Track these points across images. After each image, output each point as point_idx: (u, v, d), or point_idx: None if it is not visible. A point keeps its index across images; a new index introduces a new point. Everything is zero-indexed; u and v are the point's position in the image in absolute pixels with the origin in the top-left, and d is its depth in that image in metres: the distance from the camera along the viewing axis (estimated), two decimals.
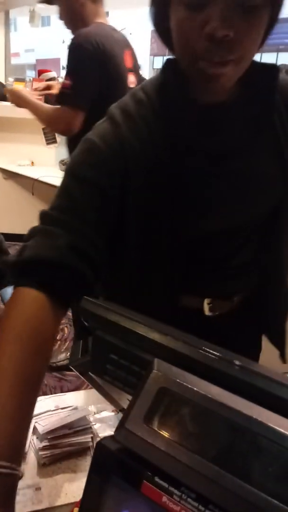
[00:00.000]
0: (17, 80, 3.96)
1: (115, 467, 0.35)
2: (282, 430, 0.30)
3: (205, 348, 0.38)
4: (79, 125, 1.71)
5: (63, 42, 16.97)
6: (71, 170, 0.71)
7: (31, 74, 13.66)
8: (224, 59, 0.59)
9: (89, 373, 0.46)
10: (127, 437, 0.34)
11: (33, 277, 0.61)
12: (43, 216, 0.68)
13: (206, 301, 0.82)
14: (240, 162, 0.73)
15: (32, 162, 3.92)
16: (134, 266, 0.77)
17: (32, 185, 3.57)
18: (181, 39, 0.61)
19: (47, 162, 3.88)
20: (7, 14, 6.28)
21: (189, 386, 0.34)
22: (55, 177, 3.42)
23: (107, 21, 1.91)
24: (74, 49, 1.70)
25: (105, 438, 0.36)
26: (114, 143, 0.68)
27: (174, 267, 0.75)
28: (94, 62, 1.68)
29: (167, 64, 0.71)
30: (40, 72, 6.00)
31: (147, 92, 0.70)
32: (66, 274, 0.62)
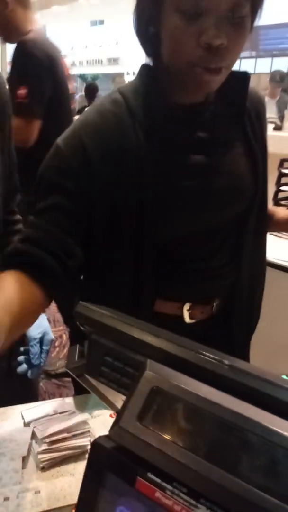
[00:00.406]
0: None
1: (110, 464, 0.36)
2: (269, 425, 0.32)
3: (197, 349, 0.39)
4: (37, 134, 1.70)
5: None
6: (41, 171, 0.75)
7: None
8: (218, 66, 0.64)
9: (85, 375, 0.47)
10: (121, 435, 0.36)
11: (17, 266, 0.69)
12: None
13: (185, 307, 0.82)
14: (216, 158, 0.76)
15: None
16: (104, 267, 0.79)
17: None
18: (176, 46, 0.65)
19: None
20: None
21: (180, 385, 0.36)
22: None
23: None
24: (25, 57, 1.68)
25: (100, 437, 0.37)
26: (76, 145, 0.71)
27: (144, 269, 0.76)
28: (46, 69, 1.68)
29: (143, 69, 0.75)
30: None
31: (123, 93, 0.74)
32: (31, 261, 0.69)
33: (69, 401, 0.88)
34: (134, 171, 0.71)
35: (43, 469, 0.72)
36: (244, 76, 0.77)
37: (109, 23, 14.04)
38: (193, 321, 0.83)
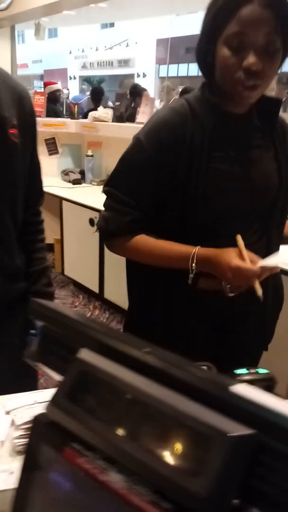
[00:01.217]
0: None
1: (44, 436, 0.42)
2: (168, 401, 0.37)
3: (124, 339, 0.45)
4: None
5: (70, 52, 17.21)
6: (123, 159, 1.02)
7: (39, 84, 13.99)
8: (254, 84, 0.89)
9: (40, 363, 0.53)
10: (53, 412, 0.42)
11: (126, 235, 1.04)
12: (110, 193, 1.04)
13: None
14: (253, 155, 1.02)
15: None
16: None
17: None
18: (225, 70, 0.90)
19: (50, 173, 4.00)
20: (13, 28, 6.50)
21: (103, 368, 0.42)
22: (57, 187, 3.53)
23: None
24: None
25: (39, 413, 0.43)
26: (155, 143, 0.97)
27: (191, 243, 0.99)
28: None
29: (204, 85, 1.00)
30: (45, 84, 6.17)
31: (188, 100, 0.99)
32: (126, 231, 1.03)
33: (49, 392, 0.93)
34: (189, 156, 0.95)
35: (18, 453, 0.78)
36: (277, 100, 1.04)
37: (119, 26, 14.17)
38: (232, 294, 1.01)
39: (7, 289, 1.05)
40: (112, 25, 14.82)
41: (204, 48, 0.95)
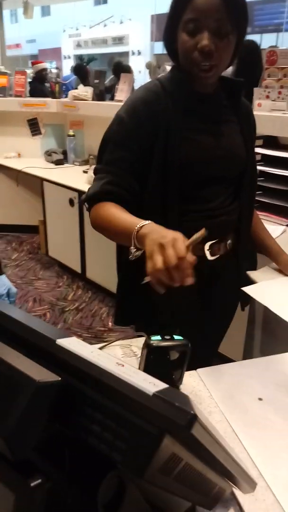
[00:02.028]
0: (0, 73, 4.03)
1: None
2: (1, 357, 0.39)
3: None
4: None
5: (64, 31, 16.82)
6: (106, 138, 1.09)
7: None
8: (208, 66, 1.00)
9: None
10: None
11: (102, 199, 1.05)
12: (95, 170, 1.09)
13: (206, 247, 1.12)
14: (222, 128, 1.12)
15: (19, 154, 4.03)
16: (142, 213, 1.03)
17: (16, 176, 3.68)
18: (184, 53, 1.02)
19: (33, 154, 3.98)
20: None
21: None
22: (39, 167, 3.53)
23: None
24: None
25: None
26: (135, 116, 1.04)
27: (174, 213, 1.07)
28: None
29: (173, 67, 1.12)
30: (33, 64, 6.07)
31: (160, 80, 1.10)
32: (108, 198, 1.04)
33: None
34: (165, 129, 1.05)
35: None
36: (240, 82, 1.17)
37: (113, 2, 13.83)
38: (213, 258, 1.14)
39: None
40: (105, 1, 14.49)
41: (168, 36, 1.08)
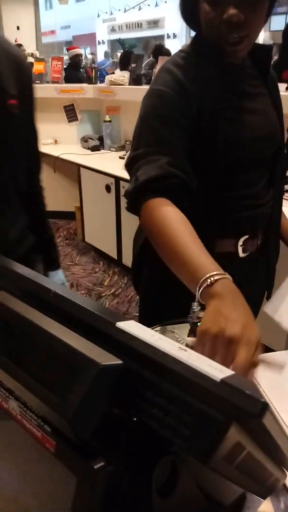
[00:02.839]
0: (37, 60, 4.05)
1: None
2: (55, 334, 0.39)
3: (37, 279, 0.47)
4: None
5: (98, 16, 16.71)
6: (146, 116, 0.91)
7: None
8: (238, 38, 0.85)
9: None
10: None
11: (154, 192, 0.83)
12: (136, 156, 0.89)
13: (239, 243, 1.01)
14: (256, 103, 0.99)
15: (56, 140, 4.07)
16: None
17: (53, 163, 3.72)
18: (208, 25, 0.88)
19: (70, 140, 4.00)
20: None
21: (13, 309, 0.44)
22: (75, 154, 3.55)
23: None
24: None
25: None
26: (176, 87, 0.89)
27: (216, 201, 0.95)
28: None
29: (196, 38, 0.97)
30: (68, 50, 6.08)
31: (186, 51, 0.96)
32: (173, 183, 0.84)
33: None
34: (207, 103, 0.90)
35: None
36: (269, 48, 1.02)
37: None
38: (245, 254, 1.03)
39: (13, 254, 1.08)
40: None
41: (187, 6, 0.93)
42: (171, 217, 0.79)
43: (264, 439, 0.36)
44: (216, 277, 0.66)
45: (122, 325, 0.39)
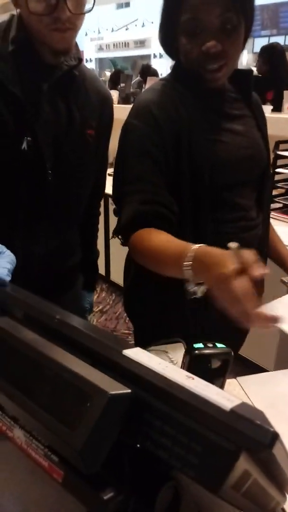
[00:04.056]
0: None
1: None
2: (64, 364, 0.39)
3: (43, 308, 0.47)
4: None
5: (86, 34, 16.97)
6: (121, 151, 0.95)
7: None
8: (217, 66, 0.89)
9: None
10: None
11: (140, 224, 0.88)
12: (117, 197, 0.96)
13: None
14: (239, 125, 1.00)
15: None
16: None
17: None
18: (186, 56, 0.91)
19: None
20: None
21: (10, 332, 0.44)
22: None
23: None
24: None
25: None
26: (148, 119, 0.91)
27: (203, 221, 0.96)
28: None
29: (175, 66, 0.99)
30: None
31: (167, 79, 0.99)
32: (148, 219, 0.88)
33: None
34: (185, 130, 0.92)
35: None
36: (248, 72, 1.04)
37: (135, 5, 13.88)
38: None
39: (60, 268, 1.12)
40: (127, 5, 14.53)
41: (165, 39, 0.96)
42: (153, 235, 0.87)
43: (271, 466, 0.36)
44: (189, 254, 0.73)
45: (129, 352, 0.40)
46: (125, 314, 3.11)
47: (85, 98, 0.98)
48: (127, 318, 2.99)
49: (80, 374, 0.37)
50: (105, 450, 0.35)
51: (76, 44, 0.91)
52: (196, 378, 0.37)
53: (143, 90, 3.38)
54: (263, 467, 0.39)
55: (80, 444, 0.34)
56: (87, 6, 0.83)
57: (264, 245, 1.13)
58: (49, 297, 0.48)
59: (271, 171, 2.21)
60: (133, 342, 1.06)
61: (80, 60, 0.93)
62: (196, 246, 0.75)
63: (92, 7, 0.83)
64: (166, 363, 0.39)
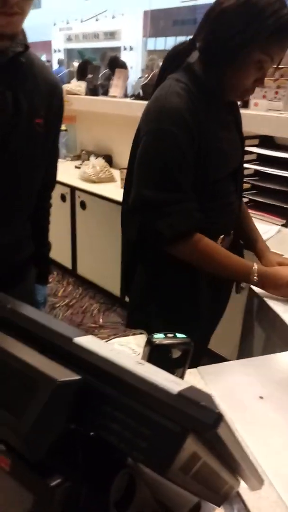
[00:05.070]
0: None
1: None
2: (15, 353, 0.39)
3: None
4: None
5: (54, 24, 16.65)
6: (161, 157, 1.02)
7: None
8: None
9: None
10: None
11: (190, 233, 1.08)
12: (160, 201, 1.03)
13: (219, 240, 1.18)
14: (229, 133, 1.15)
15: None
16: None
17: None
18: (242, 80, 1.02)
19: None
20: None
21: None
22: None
23: None
24: None
25: None
26: (185, 127, 1.00)
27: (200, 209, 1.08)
28: None
29: (195, 75, 1.06)
30: None
31: (187, 84, 1.04)
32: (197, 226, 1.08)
33: None
34: (204, 136, 1.04)
35: None
36: None
37: None
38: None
39: (10, 261, 1.11)
40: None
41: (235, 48, 0.98)
42: (211, 242, 1.11)
43: (219, 448, 0.37)
44: (254, 266, 1.11)
45: (80, 340, 0.39)
46: (92, 308, 3.08)
47: (33, 86, 0.95)
48: (94, 312, 2.99)
49: (28, 362, 0.36)
50: (52, 437, 0.35)
51: (23, 30, 0.89)
52: (146, 364, 0.37)
53: (111, 82, 3.35)
54: (213, 450, 0.39)
55: (25, 430, 0.34)
56: None
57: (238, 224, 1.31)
58: None
59: None
60: (99, 335, 1.08)
61: (26, 46, 0.90)
62: (256, 267, 1.11)
63: None
64: (117, 350, 0.39)
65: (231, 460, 0.41)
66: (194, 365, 0.92)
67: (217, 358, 2.00)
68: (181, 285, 1.20)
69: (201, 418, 0.31)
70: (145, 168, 1.06)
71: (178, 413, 0.32)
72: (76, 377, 0.36)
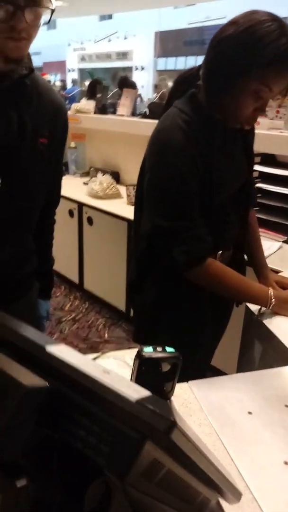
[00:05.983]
0: None
1: None
2: None
3: None
4: None
5: (69, 44, 17.06)
6: (172, 189, 1.06)
7: None
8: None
9: None
10: None
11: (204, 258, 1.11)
12: (174, 228, 1.08)
13: (218, 255, 1.21)
14: (233, 160, 1.17)
15: None
16: None
17: None
18: (240, 110, 1.02)
19: None
20: None
21: None
22: None
23: None
24: None
25: None
26: (190, 161, 1.04)
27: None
28: None
29: (194, 99, 1.08)
30: None
31: (187, 113, 1.06)
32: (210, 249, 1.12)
33: None
34: (208, 165, 1.07)
35: None
36: None
37: (118, 18, 14.09)
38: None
39: (13, 275, 1.13)
40: (110, 17, 14.75)
41: (236, 70, 0.97)
42: (225, 269, 1.16)
43: (180, 456, 0.38)
44: (270, 291, 1.17)
45: (52, 349, 0.41)
46: (97, 323, 3.09)
47: (38, 107, 0.99)
48: (99, 327, 3.00)
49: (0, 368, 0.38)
50: (21, 440, 0.37)
51: (29, 54, 0.93)
52: (113, 373, 0.39)
53: (120, 101, 3.43)
54: (177, 458, 0.41)
55: None
56: (44, 18, 0.85)
57: (243, 240, 1.32)
58: (1, 304, 0.49)
59: None
60: (103, 350, 1.11)
61: (31, 70, 0.95)
62: (271, 292, 1.16)
63: (49, 20, 0.85)
64: (86, 359, 0.41)
65: (196, 469, 0.43)
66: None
67: (220, 374, 1.99)
68: (187, 303, 1.23)
69: (155, 425, 0.33)
70: (155, 201, 1.10)
71: (136, 420, 0.34)
72: (43, 383, 0.38)
